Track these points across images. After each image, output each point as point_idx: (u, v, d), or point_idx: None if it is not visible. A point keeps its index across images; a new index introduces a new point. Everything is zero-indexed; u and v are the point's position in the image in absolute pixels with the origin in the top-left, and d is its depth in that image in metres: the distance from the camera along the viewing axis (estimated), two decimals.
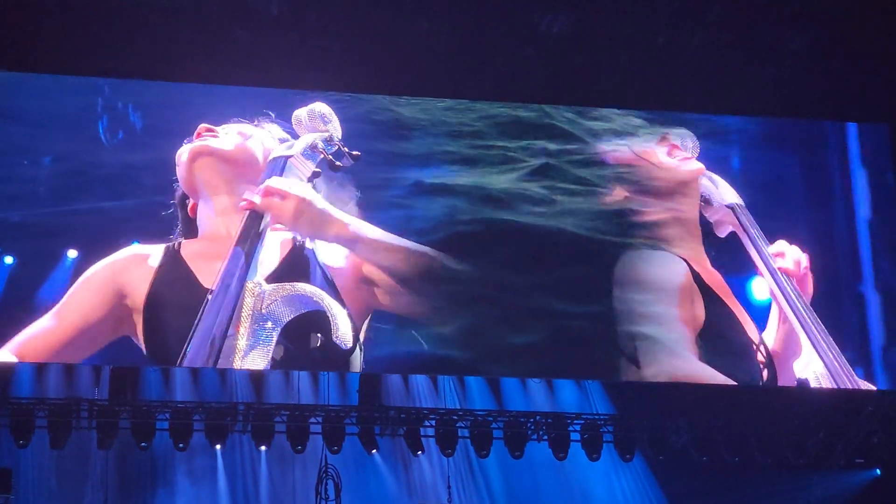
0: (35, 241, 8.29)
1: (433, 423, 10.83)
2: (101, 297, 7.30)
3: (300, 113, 7.47)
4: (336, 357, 8.02)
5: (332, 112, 7.57)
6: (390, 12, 9.27)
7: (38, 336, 7.46)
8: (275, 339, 7.14)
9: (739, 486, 11.17)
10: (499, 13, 9.47)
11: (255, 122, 8.32)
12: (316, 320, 7.27)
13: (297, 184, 7.19)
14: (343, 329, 7.23)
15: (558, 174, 9.75)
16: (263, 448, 10.64)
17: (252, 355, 7.31)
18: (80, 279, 7.69)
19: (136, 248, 7.59)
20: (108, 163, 8.25)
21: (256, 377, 11.16)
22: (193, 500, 11.34)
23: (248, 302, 7.12)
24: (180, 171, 7.74)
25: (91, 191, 8.29)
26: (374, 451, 10.84)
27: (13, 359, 7.42)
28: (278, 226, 7.51)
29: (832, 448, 10.93)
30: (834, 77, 10.44)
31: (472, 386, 11.77)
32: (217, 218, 7.40)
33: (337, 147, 7.21)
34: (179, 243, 7.80)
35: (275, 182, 7.22)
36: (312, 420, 10.55)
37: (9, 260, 8.24)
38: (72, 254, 8.18)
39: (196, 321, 7.16)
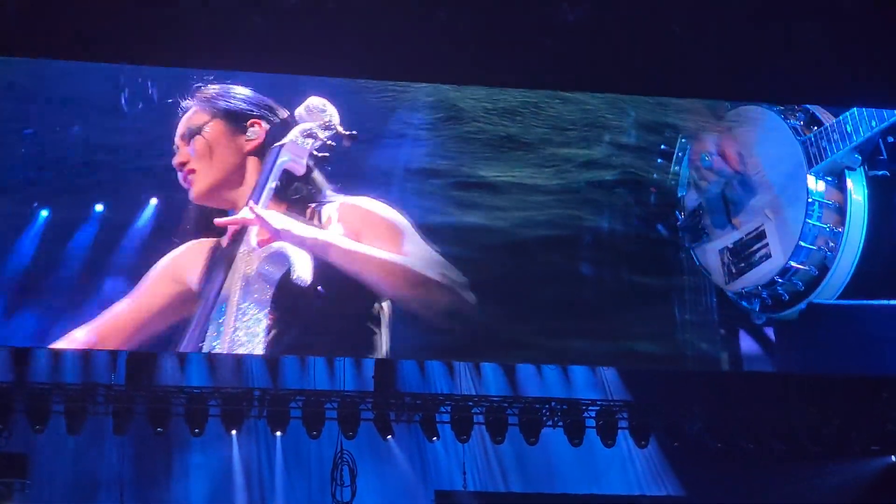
0: (67, 197, 8.87)
1: (448, 409, 10.85)
2: (165, 283, 7.71)
3: (300, 110, 7.79)
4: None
5: (327, 102, 7.80)
6: (407, 1, 9.27)
7: (115, 317, 7.98)
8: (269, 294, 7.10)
9: (754, 473, 11.15)
10: (515, 2, 9.46)
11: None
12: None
13: (275, 216, 7.59)
14: (301, 269, 7.26)
15: None
16: (279, 433, 10.67)
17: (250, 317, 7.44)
18: (151, 270, 8.14)
19: (193, 242, 7.96)
20: (129, 129, 8.74)
21: (272, 363, 11.18)
22: (209, 486, 11.35)
23: (240, 267, 7.38)
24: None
25: (115, 153, 8.83)
26: (389, 436, 10.85)
27: (93, 340, 8.13)
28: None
29: (847, 435, 10.93)
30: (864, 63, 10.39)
31: (488, 372, 11.75)
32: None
33: (335, 131, 7.33)
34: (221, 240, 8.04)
35: (260, 212, 7.66)
36: (328, 406, 10.58)
37: (44, 213, 8.78)
38: (98, 208, 8.85)
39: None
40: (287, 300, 7.43)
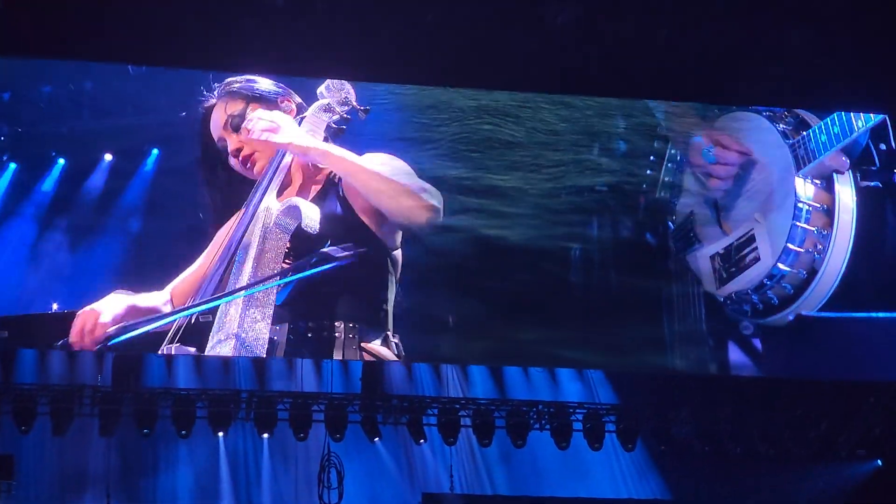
0: (79, 147, 9.58)
1: (436, 411, 10.85)
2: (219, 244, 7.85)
3: (321, 88, 8.00)
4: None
5: (345, 81, 8.06)
6: (394, 1, 9.28)
7: (184, 279, 8.00)
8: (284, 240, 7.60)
9: (741, 477, 11.18)
10: (504, 3, 9.46)
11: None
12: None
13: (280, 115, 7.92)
14: (310, 216, 7.57)
15: None
16: (266, 435, 10.67)
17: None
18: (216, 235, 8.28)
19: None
20: (134, 88, 9.40)
21: (259, 364, 11.18)
22: (195, 488, 11.35)
23: (261, 218, 7.65)
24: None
25: (122, 109, 9.52)
26: (376, 439, 10.85)
27: (167, 298, 7.95)
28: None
29: (834, 439, 10.95)
30: (842, 68, 10.42)
31: (475, 375, 11.77)
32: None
33: (351, 105, 7.80)
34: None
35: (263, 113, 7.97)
36: (315, 408, 10.56)
37: (61, 161, 9.54)
38: (108, 157, 9.57)
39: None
40: (302, 246, 7.63)
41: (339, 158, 7.70)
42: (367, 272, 7.90)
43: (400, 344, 8.21)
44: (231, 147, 8.08)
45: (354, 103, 8.12)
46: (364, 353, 7.96)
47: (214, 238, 8.13)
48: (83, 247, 9.45)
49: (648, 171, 10.57)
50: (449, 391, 11.56)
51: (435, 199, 7.85)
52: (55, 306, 9.04)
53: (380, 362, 10.52)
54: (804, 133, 10.25)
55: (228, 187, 8.17)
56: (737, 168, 10.37)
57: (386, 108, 9.73)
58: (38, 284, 9.35)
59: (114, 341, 7.46)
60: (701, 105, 10.64)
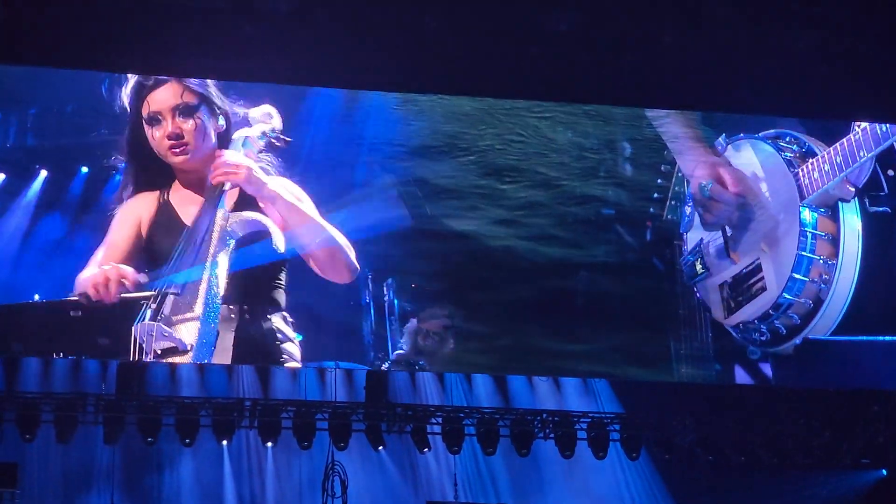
0: (60, 160, 9.91)
1: (440, 420, 10.84)
2: (127, 223, 8.21)
3: (255, 112, 8.32)
4: None
5: (273, 110, 8.37)
6: (396, 9, 9.29)
7: (116, 254, 8.24)
8: (232, 246, 7.92)
9: (745, 486, 11.16)
10: (505, 11, 9.46)
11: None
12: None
13: (244, 158, 8.17)
14: (277, 240, 7.88)
15: None
16: (270, 444, 10.69)
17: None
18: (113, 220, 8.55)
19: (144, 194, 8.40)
20: (108, 110, 9.18)
21: (263, 372, 11.21)
22: (199, 497, 11.36)
23: (217, 227, 7.92)
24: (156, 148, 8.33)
25: (97, 126, 9.62)
26: (380, 447, 10.85)
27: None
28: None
29: (838, 448, 10.92)
30: (858, 75, 10.40)
31: (479, 384, 11.78)
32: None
33: (277, 134, 8.18)
34: (168, 191, 8.40)
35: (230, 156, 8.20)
36: (319, 416, 10.57)
37: (44, 173, 9.89)
38: (84, 169, 9.84)
39: (176, 249, 7.96)
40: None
41: (288, 205, 7.98)
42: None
43: (295, 322, 8.39)
44: (170, 131, 8.20)
45: (278, 132, 8.36)
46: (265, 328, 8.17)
47: (124, 212, 8.33)
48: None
49: (656, 195, 10.62)
50: (453, 400, 11.56)
51: (353, 256, 8.14)
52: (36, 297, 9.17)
53: (383, 372, 10.67)
54: (809, 161, 10.26)
55: (151, 164, 8.33)
56: (733, 208, 10.44)
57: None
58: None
59: (127, 295, 7.76)
60: (709, 133, 10.69)
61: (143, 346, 7.68)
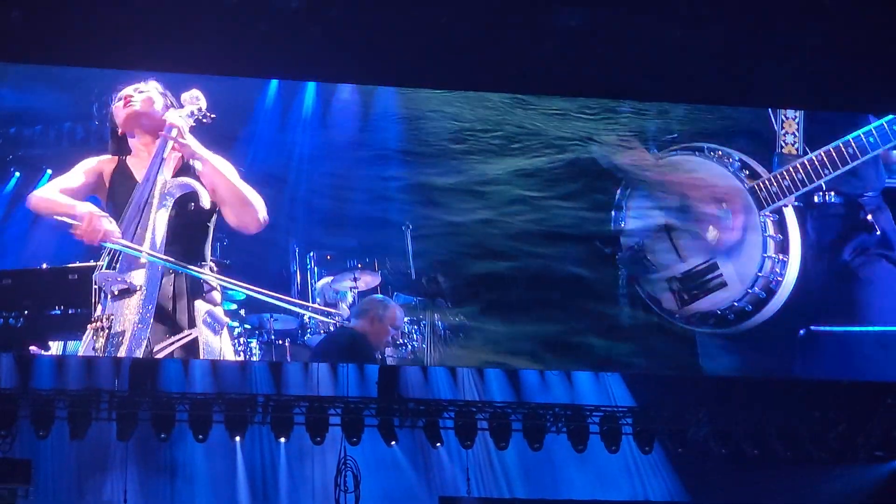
0: (29, 163, 10.38)
1: (452, 414, 10.84)
2: (92, 170, 8.75)
3: (185, 95, 8.71)
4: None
5: (199, 93, 8.75)
6: (407, 5, 9.31)
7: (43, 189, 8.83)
8: (170, 204, 8.41)
9: (759, 479, 11.13)
10: (516, 6, 9.49)
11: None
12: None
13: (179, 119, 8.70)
14: (203, 198, 8.46)
15: None
16: (283, 440, 10.69)
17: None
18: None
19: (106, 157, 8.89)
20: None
21: (275, 367, 11.21)
22: (212, 492, 11.37)
23: (158, 189, 8.42)
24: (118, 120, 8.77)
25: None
26: (393, 442, 10.85)
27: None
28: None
29: (852, 441, 10.91)
30: (860, 69, 10.42)
31: (491, 378, 11.77)
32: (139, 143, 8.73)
33: (204, 112, 8.67)
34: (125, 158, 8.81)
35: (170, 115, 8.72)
36: (332, 412, 10.58)
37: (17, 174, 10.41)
38: (49, 171, 10.06)
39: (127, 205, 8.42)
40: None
41: (213, 169, 8.48)
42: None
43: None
44: (124, 93, 8.71)
45: (206, 111, 8.72)
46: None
47: (89, 160, 8.75)
48: None
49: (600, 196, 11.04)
50: (465, 394, 11.55)
51: (263, 213, 8.56)
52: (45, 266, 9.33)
53: (395, 367, 10.71)
54: (764, 179, 10.84)
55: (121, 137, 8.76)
56: (675, 210, 10.99)
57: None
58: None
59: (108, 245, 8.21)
60: (647, 139, 11.06)
61: (103, 289, 8.17)
